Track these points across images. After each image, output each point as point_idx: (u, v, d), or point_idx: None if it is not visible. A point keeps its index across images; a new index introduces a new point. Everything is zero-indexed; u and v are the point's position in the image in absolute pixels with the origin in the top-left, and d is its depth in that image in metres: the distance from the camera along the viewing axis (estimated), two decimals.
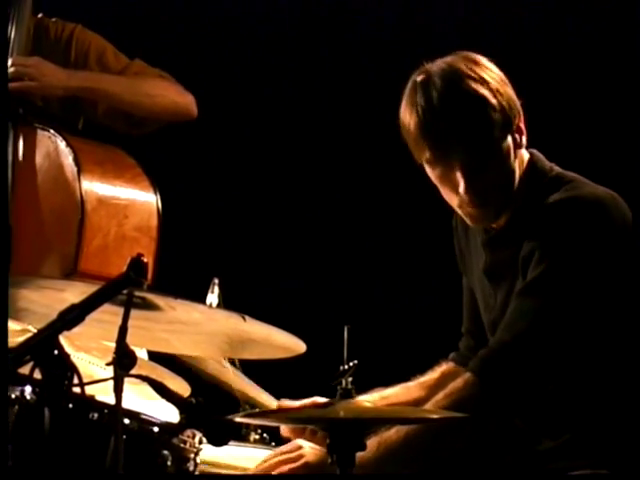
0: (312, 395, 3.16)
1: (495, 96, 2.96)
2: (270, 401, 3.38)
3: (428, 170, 3.02)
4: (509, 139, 3.00)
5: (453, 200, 3.01)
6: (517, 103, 3.02)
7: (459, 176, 2.96)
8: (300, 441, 2.97)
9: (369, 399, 2.75)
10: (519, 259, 2.97)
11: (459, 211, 3.04)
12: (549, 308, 2.90)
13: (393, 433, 2.85)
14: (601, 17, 4.80)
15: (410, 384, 3.27)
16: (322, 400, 3.14)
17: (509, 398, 2.92)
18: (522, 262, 2.96)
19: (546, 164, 3.08)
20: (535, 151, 3.10)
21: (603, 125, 4.69)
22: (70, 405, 2.69)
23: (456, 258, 3.28)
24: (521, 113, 3.04)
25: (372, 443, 2.76)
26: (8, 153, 4.06)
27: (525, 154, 3.06)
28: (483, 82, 2.97)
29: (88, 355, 2.95)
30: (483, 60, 3.01)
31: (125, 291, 2.56)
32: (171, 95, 4.20)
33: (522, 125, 3.04)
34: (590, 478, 2.92)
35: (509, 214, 3.04)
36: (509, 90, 3.01)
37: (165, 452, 2.75)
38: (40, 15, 4.26)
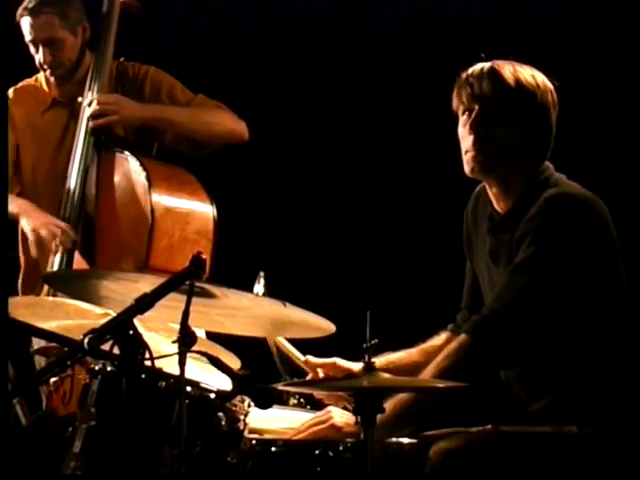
0: None
1: (524, 83, 2.98)
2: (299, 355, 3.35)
3: (460, 120, 3.01)
4: (527, 125, 2.97)
5: (464, 145, 2.99)
6: (549, 111, 3.01)
7: (472, 117, 2.96)
8: (332, 408, 2.94)
9: (377, 362, 2.73)
10: (514, 239, 2.94)
11: (464, 158, 2.99)
12: (534, 285, 2.87)
13: (405, 395, 2.83)
14: (601, 19, 4.72)
15: (412, 350, 3.22)
16: (341, 361, 3.14)
17: (497, 355, 2.88)
18: (516, 242, 2.93)
19: (553, 172, 3.04)
20: (549, 163, 3.06)
21: (600, 127, 4.63)
22: (143, 376, 2.66)
23: (463, 245, 3.23)
24: (550, 132, 3.01)
25: (389, 404, 2.74)
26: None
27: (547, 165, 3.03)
28: (531, 76, 3.00)
29: (157, 334, 2.94)
30: None
31: (187, 282, 2.55)
32: (227, 123, 4.20)
33: (546, 141, 3.01)
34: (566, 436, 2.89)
35: (510, 205, 3.00)
36: (549, 96, 3.01)
37: (220, 414, 2.73)
38: (121, 59, 4.27)
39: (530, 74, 3.00)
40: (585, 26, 4.71)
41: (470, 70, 3.01)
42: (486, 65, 3.00)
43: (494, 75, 2.97)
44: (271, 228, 4.93)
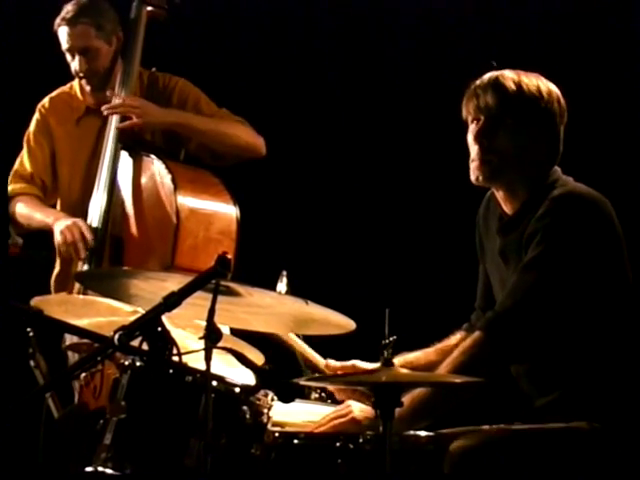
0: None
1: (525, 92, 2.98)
2: (319, 359, 3.36)
3: (469, 129, 3.03)
4: (532, 134, 2.98)
5: (471, 153, 3.01)
6: (554, 125, 3.01)
7: (477, 128, 2.98)
8: (351, 402, 2.95)
9: (395, 362, 2.75)
10: (523, 239, 2.95)
11: (470, 166, 3.01)
12: (544, 281, 2.88)
13: (422, 390, 2.84)
14: (600, 18, 4.70)
15: (429, 350, 3.23)
16: (360, 363, 3.15)
17: (510, 350, 2.90)
18: (525, 240, 2.94)
19: (560, 175, 3.04)
20: (556, 167, 3.06)
21: (599, 128, 4.61)
22: (170, 370, 2.68)
23: (476, 250, 3.25)
24: (557, 139, 3.01)
25: (406, 398, 2.75)
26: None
27: (555, 170, 3.04)
28: (532, 85, 3.00)
29: (184, 331, 2.95)
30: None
31: (213, 281, 2.56)
32: (246, 137, 4.21)
33: (553, 148, 3.01)
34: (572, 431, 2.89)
35: (518, 206, 3.01)
36: (554, 104, 3.01)
37: (244, 407, 2.74)
38: (153, 69, 4.29)
39: (534, 84, 3.00)
40: (588, 29, 4.70)
41: (477, 81, 3.03)
42: (492, 76, 3.01)
43: (498, 86, 2.98)
44: (293, 229, 4.94)
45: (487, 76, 3.03)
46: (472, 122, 3.02)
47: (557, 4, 4.70)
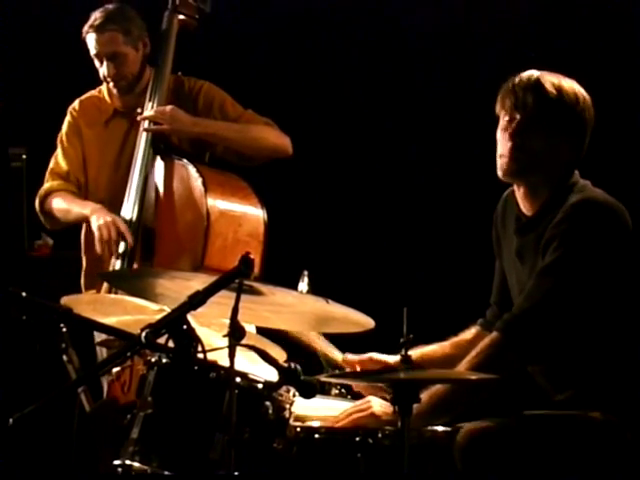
0: None
1: (566, 98, 2.96)
2: (338, 354, 3.36)
3: (500, 123, 3.01)
4: (563, 138, 2.97)
5: (500, 148, 3.00)
6: (583, 134, 3.00)
7: (513, 125, 2.96)
8: (371, 397, 2.96)
9: (412, 354, 2.75)
10: (541, 243, 2.95)
11: (498, 160, 3.00)
12: (561, 286, 2.88)
13: (440, 387, 2.85)
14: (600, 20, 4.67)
15: (445, 343, 3.24)
16: (378, 355, 3.15)
17: (527, 351, 2.90)
18: (543, 245, 2.94)
19: (579, 179, 3.04)
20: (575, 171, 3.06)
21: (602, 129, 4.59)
22: (195, 367, 2.70)
23: (492, 246, 3.25)
24: (584, 144, 3.01)
25: (425, 396, 2.76)
26: None
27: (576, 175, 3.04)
28: (571, 90, 2.98)
29: (209, 329, 2.96)
30: None
31: (237, 281, 2.58)
32: (272, 139, 4.21)
33: (578, 154, 3.01)
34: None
35: (537, 208, 3.01)
36: (587, 112, 3.00)
37: (267, 403, 2.75)
38: (179, 73, 4.31)
39: (573, 89, 2.97)
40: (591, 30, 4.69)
41: (517, 79, 2.99)
42: (533, 76, 2.98)
43: (539, 88, 2.95)
44: (314, 230, 4.95)
45: (527, 75, 2.98)
46: (505, 118, 2.99)
47: (560, 6, 4.70)
